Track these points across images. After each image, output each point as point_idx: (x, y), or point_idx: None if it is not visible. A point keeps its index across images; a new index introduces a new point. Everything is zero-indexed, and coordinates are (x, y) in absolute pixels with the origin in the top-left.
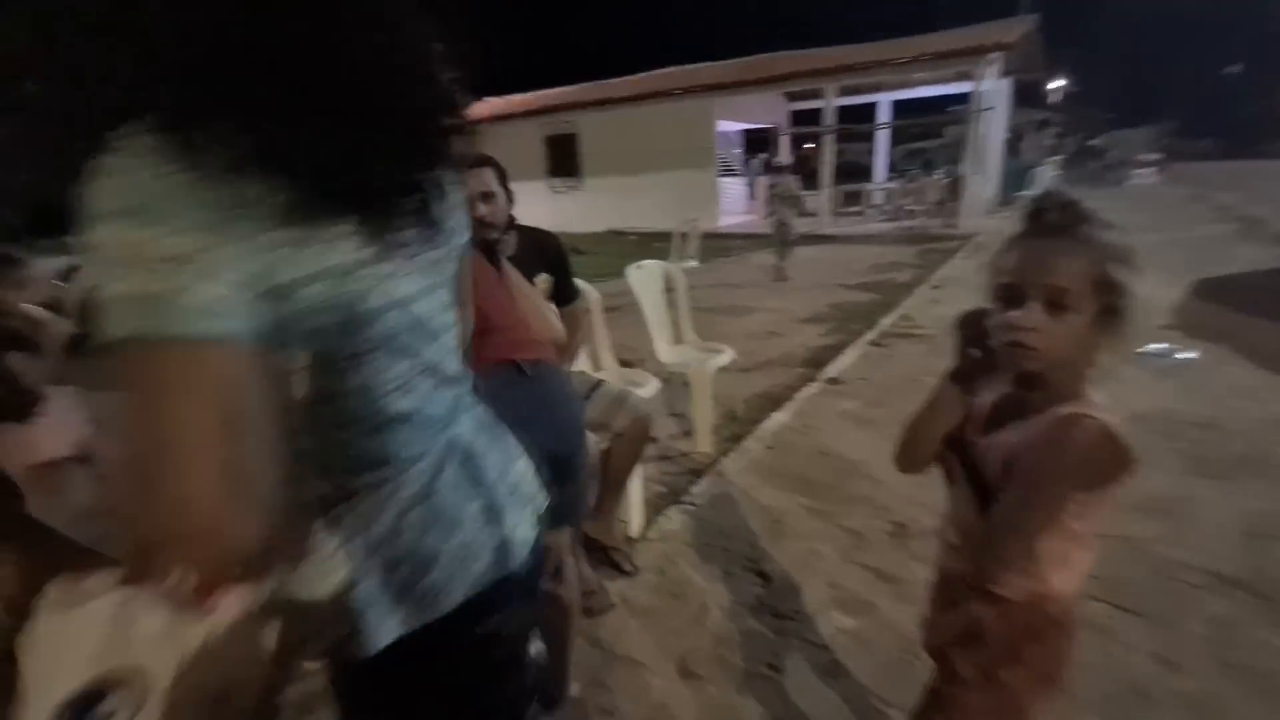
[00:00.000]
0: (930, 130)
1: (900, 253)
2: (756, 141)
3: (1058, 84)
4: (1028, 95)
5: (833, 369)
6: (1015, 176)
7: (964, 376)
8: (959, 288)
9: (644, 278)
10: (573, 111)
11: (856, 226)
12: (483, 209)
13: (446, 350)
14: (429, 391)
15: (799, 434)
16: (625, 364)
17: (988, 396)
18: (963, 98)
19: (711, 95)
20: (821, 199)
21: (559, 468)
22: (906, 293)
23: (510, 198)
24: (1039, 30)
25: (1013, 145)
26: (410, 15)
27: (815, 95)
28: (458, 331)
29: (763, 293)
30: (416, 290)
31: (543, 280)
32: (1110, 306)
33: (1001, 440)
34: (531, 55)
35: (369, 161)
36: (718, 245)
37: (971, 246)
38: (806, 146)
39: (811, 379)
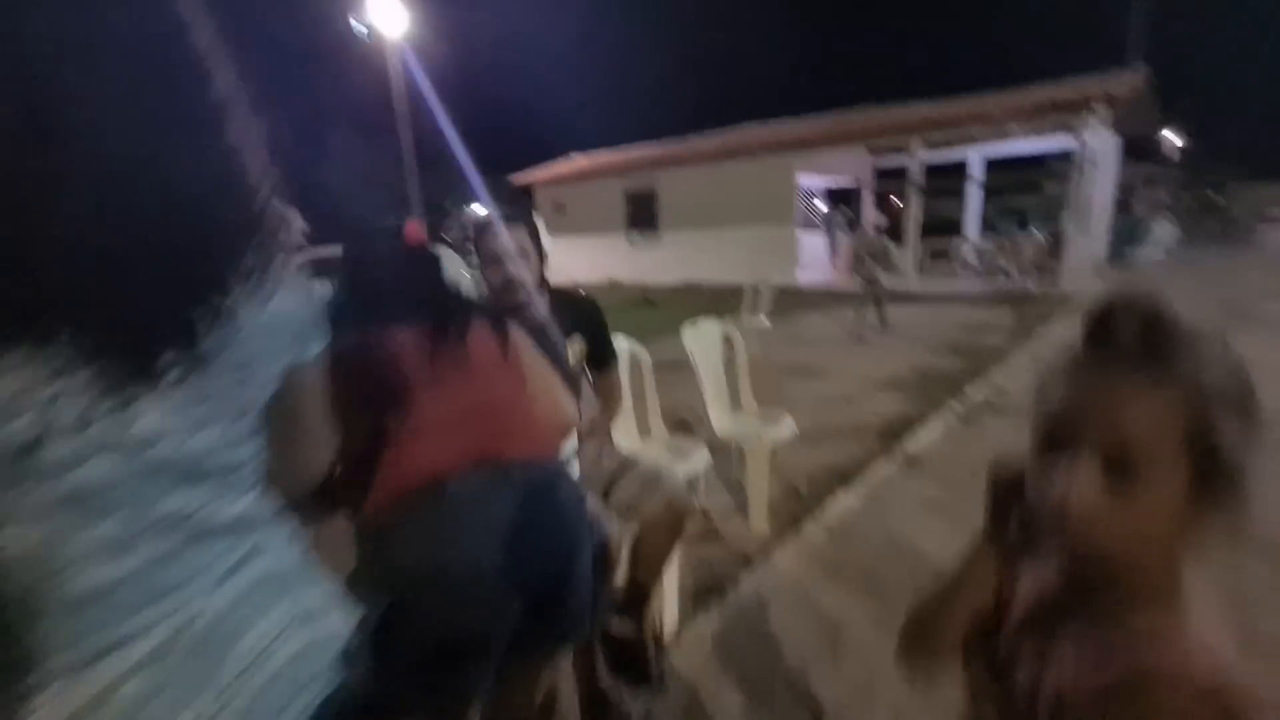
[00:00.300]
0: (1029, 185)
1: (993, 314)
2: (840, 196)
3: (1173, 137)
4: (1140, 149)
5: (911, 444)
6: (1126, 234)
7: (1003, 541)
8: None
9: (700, 338)
10: (653, 169)
11: (945, 285)
12: (511, 269)
13: (223, 493)
14: (167, 551)
15: (868, 520)
16: (679, 429)
17: (1033, 578)
18: (1066, 153)
19: (792, 152)
20: (907, 255)
21: (550, 586)
22: (998, 359)
23: (543, 256)
24: (1150, 82)
25: (1123, 202)
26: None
27: (902, 150)
28: (275, 463)
29: (839, 353)
30: (167, 427)
31: (576, 344)
32: (1210, 469)
33: (1048, 661)
34: (617, 114)
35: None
36: (795, 301)
37: (1073, 309)
38: (893, 200)
39: (886, 455)
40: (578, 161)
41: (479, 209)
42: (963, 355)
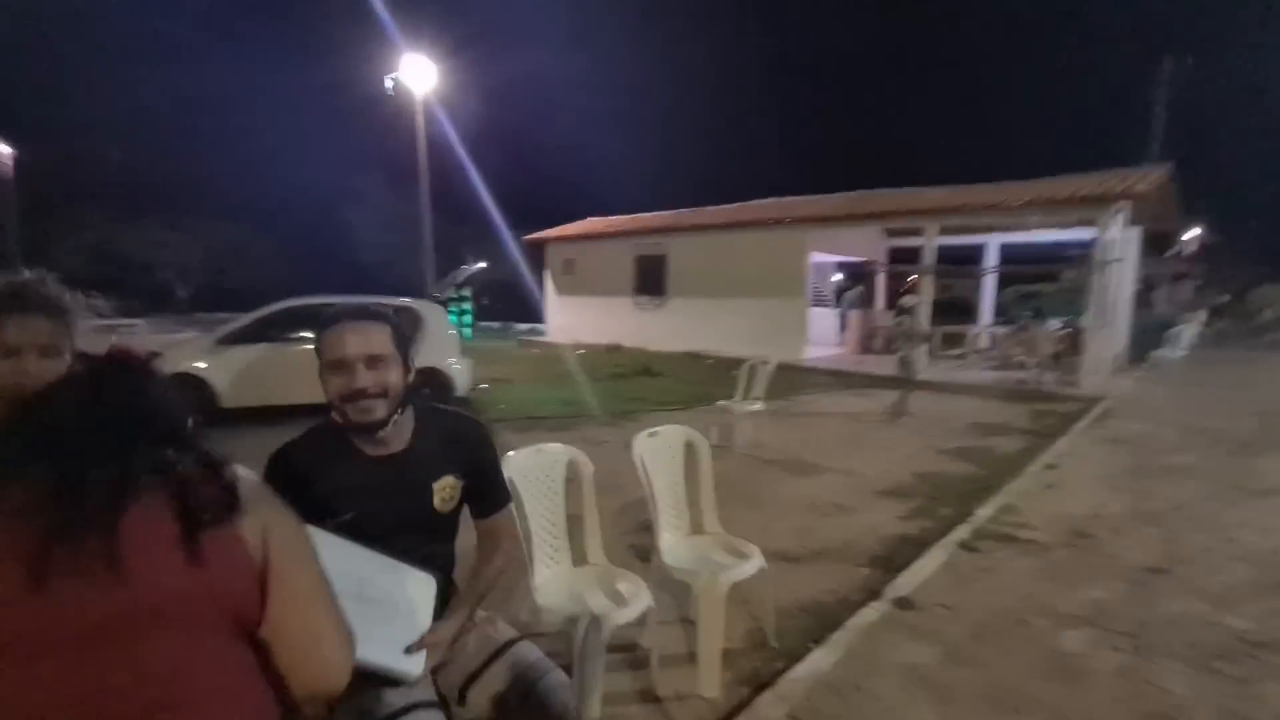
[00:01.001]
0: (1047, 274)
1: (1008, 411)
2: (856, 274)
3: (1196, 234)
4: (1162, 245)
5: (905, 581)
6: (1149, 333)
7: None
8: (1081, 470)
9: (656, 449)
10: (664, 234)
11: (957, 373)
12: (364, 378)
13: None
14: None
15: (842, 697)
16: (637, 553)
17: None
18: (1086, 244)
19: (805, 228)
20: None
21: None
22: (1014, 470)
23: (409, 367)
24: (1174, 178)
25: (1144, 298)
26: None
27: (917, 233)
28: None
29: (838, 446)
30: None
31: (448, 485)
32: None
33: None
34: (635, 181)
35: None
36: (799, 380)
37: (1096, 414)
38: (911, 279)
39: (875, 593)
40: (591, 222)
41: (474, 264)
42: (973, 461)
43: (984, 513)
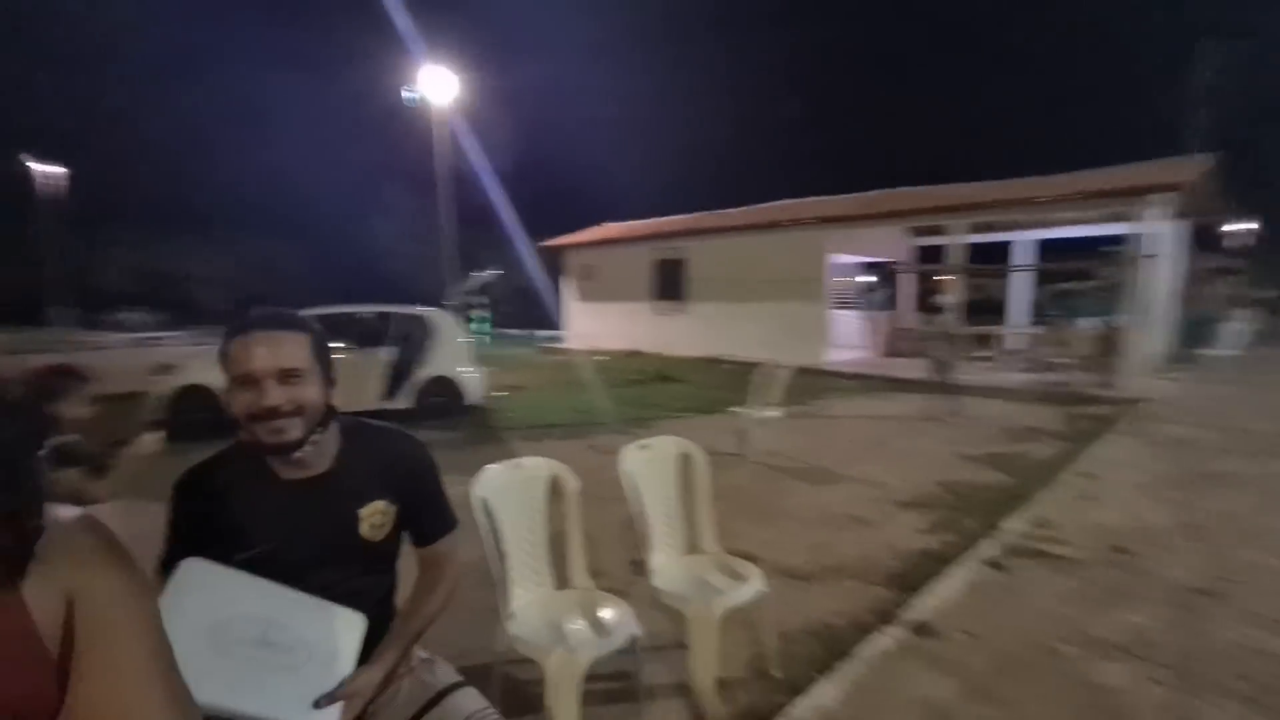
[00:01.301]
0: (1082, 271)
1: (1041, 415)
2: (881, 275)
3: (1245, 227)
4: (1210, 239)
5: (924, 603)
6: (1194, 331)
7: None
8: (1119, 478)
9: (648, 463)
10: (683, 238)
11: (987, 375)
12: (274, 394)
13: None
14: None
15: None
16: (637, 570)
17: None
18: (1125, 239)
19: (825, 228)
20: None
21: None
22: (1046, 478)
23: (330, 380)
24: (1220, 169)
25: (1190, 294)
26: None
27: (943, 231)
28: None
29: (859, 454)
30: None
31: (377, 510)
32: None
33: None
34: (653, 186)
35: None
36: (820, 384)
37: (1135, 415)
38: (942, 278)
39: (890, 616)
40: (609, 228)
41: (492, 271)
42: (1003, 469)
43: (1013, 526)
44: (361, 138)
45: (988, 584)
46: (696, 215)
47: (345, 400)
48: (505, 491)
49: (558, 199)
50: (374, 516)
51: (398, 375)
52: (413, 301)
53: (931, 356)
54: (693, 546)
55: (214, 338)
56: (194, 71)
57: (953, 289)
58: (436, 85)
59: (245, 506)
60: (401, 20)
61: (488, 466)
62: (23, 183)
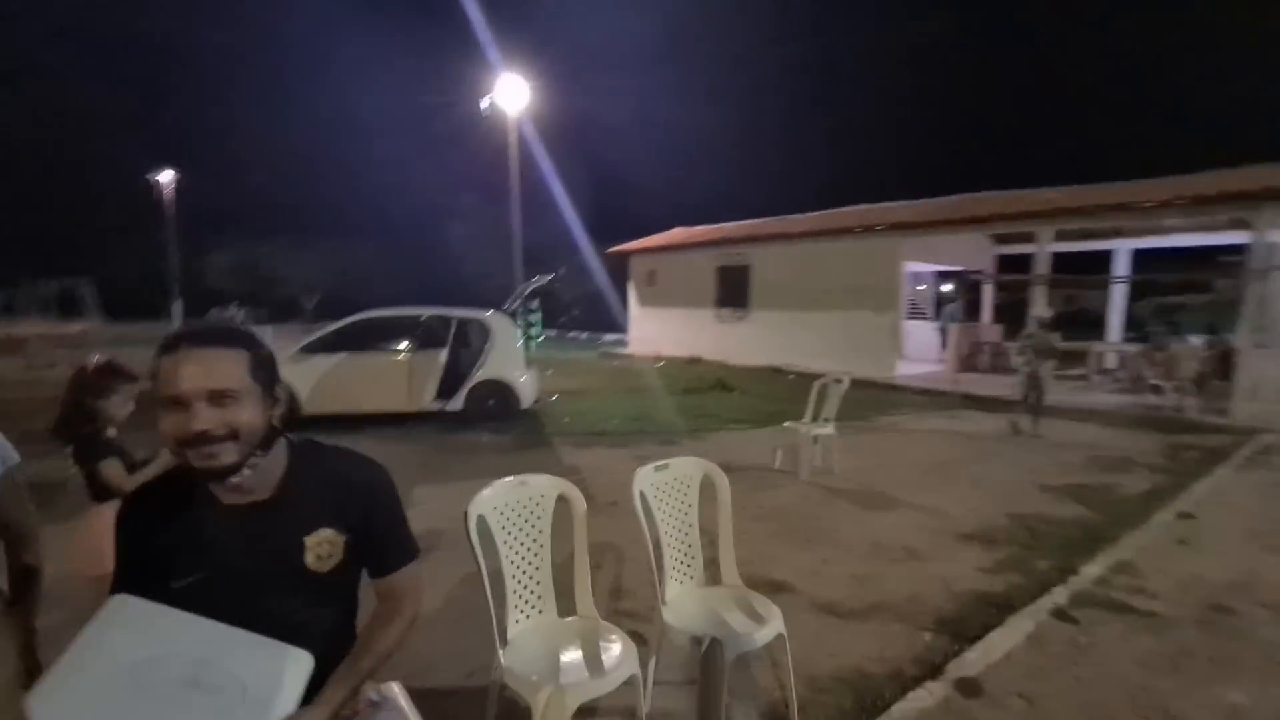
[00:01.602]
0: (1191, 283)
1: (1137, 442)
2: (964, 283)
3: None
4: None
5: (976, 656)
6: None
7: None
8: (1226, 523)
9: (665, 486)
10: (749, 244)
11: (1078, 395)
12: (205, 417)
13: None
14: None
15: None
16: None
17: None
18: (1241, 247)
19: (900, 235)
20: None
21: None
22: (1137, 517)
23: (273, 399)
24: None
25: None
26: None
27: (1029, 239)
28: None
29: (921, 477)
30: None
31: (324, 539)
32: None
33: None
34: (722, 191)
35: None
36: (887, 399)
37: (1251, 450)
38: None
39: (936, 668)
40: (674, 233)
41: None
42: (1087, 503)
43: (1091, 571)
44: (444, 147)
45: (1054, 639)
46: (761, 220)
47: (398, 401)
48: (506, 510)
49: (628, 204)
50: (320, 546)
51: (452, 377)
52: (485, 305)
53: (1020, 372)
54: (713, 578)
55: (286, 338)
56: (290, 86)
57: (1045, 300)
58: (510, 94)
59: (184, 531)
60: (480, 30)
61: (498, 482)
62: (148, 187)
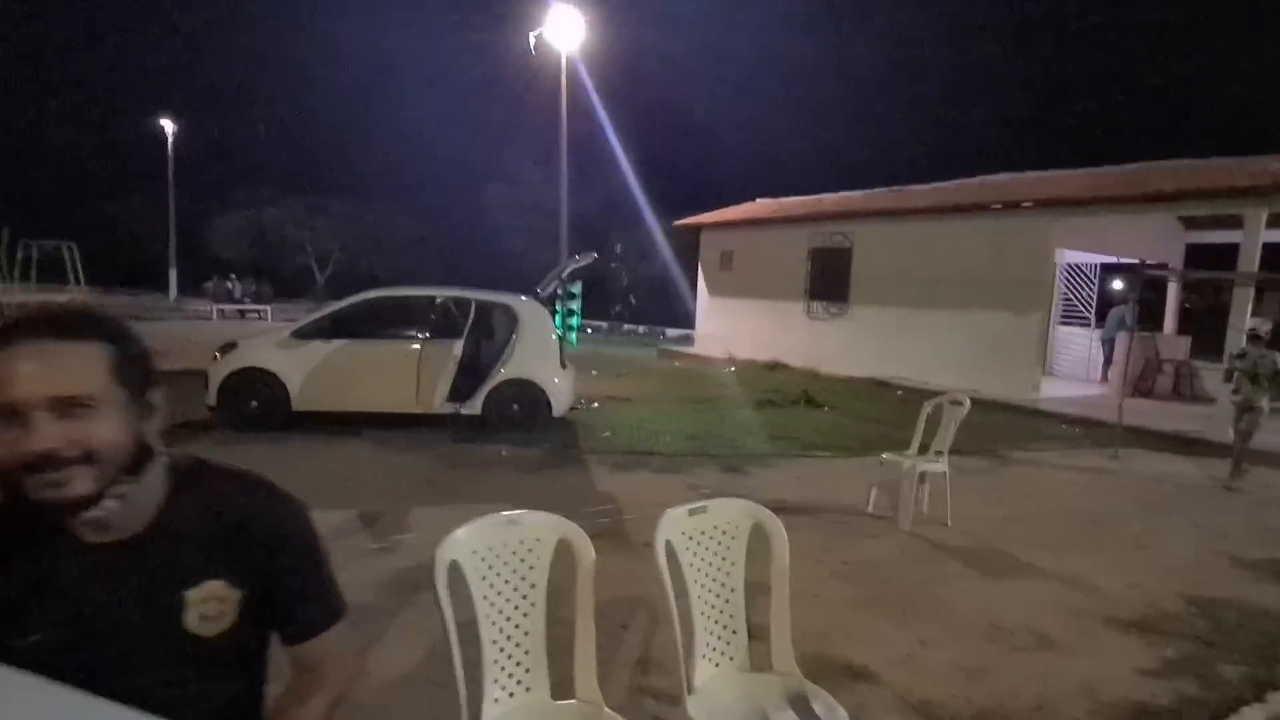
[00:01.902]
0: None
1: None
2: (1144, 280)
3: None
4: None
5: None
6: None
7: None
8: None
9: (699, 536)
10: (851, 221)
11: None
12: (48, 434)
13: None
14: None
15: None
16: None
17: None
18: None
19: (1053, 214)
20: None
21: None
22: None
23: (147, 408)
24: None
25: None
26: None
27: (1233, 224)
28: None
29: (1065, 536)
30: None
31: (212, 594)
32: None
33: None
34: (817, 156)
35: None
36: (1026, 427)
37: None
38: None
39: None
40: (757, 205)
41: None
42: None
43: None
44: (481, 94)
45: None
46: (869, 193)
47: (404, 400)
48: (488, 555)
49: (699, 173)
50: (206, 604)
51: (470, 374)
52: (522, 282)
53: (1232, 404)
54: (760, 661)
55: (296, 313)
56: (308, 27)
57: (1253, 307)
58: (562, 27)
59: (32, 575)
60: None
61: (481, 519)
62: (156, 144)
